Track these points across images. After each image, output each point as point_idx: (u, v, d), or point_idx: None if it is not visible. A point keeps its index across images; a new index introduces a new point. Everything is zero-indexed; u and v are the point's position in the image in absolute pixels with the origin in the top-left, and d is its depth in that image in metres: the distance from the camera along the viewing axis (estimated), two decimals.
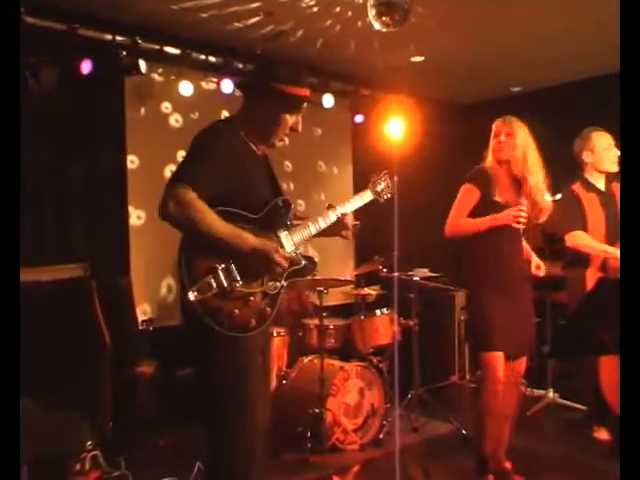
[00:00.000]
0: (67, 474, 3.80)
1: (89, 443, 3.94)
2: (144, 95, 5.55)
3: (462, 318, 6.71)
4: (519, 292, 3.85)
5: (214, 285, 2.42)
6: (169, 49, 5.30)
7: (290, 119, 2.72)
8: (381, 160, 5.74)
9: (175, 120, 5.82)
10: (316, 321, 5.05)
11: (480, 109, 7.57)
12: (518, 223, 3.67)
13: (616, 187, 4.40)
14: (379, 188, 3.12)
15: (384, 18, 4.35)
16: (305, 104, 2.76)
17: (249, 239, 2.50)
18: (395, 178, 3.24)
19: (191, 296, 2.39)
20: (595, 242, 4.26)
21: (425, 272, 6.59)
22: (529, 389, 5.69)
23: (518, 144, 3.78)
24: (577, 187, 4.43)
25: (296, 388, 4.84)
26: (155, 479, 3.95)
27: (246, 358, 2.54)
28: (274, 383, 4.86)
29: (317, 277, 4.79)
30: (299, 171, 6.67)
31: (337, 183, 7.15)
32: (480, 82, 7.07)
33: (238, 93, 2.94)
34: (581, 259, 4.35)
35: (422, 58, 6.21)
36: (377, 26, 4.42)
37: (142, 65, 5.11)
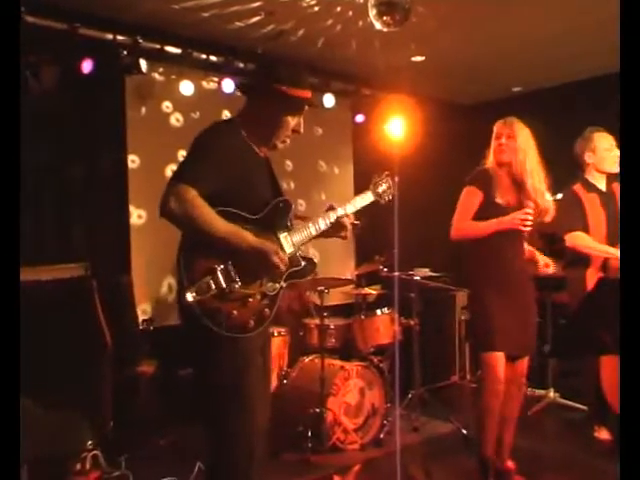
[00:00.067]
0: (67, 474, 3.80)
1: (89, 443, 3.94)
2: (145, 94, 5.55)
3: (463, 318, 6.70)
4: (521, 292, 3.85)
5: (212, 286, 2.42)
6: (170, 48, 5.30)
7: (292, 121, 2.72)
8: (382, 160, 5.76)
9: (176, 119, 5.83)
10: (317, 321, 5.05)
11: (481, 109, 7.58)
12: (525, 226, 3.67)
13: (617, 187, 4.39)
14: (380, 189, 3.11)
15: (385, 18, 4.35)
16: (307, 106, 2.76)
17: (248, 238, 2.50)
18: (396, 178, 3.23)
19: (189, 297, 2.38)
20: (595, 242, 4.26)
21: (426, 272, 6.59)
22: (530, 389, 5.68)
23: (519, 147, 3.78)
24: (578, 187, 4.42)
25: (297, 388, 4.84)
26: (155, 479, 3.95)
27: (245, 358, 2.53)
28: (275, 383, 4.87)
29: (318, 277, 4.79)
30: (300, 171, 6.67)
31: (338, 183, 7.15)
32: (481, 82, 7.08)
33: (239, 94, 2.93)
34: (581, 259, 4.35)
35: (423, 58, 6.21)
36: (378, 26, 4.42)
37: (143, 64, 5.11)
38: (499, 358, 3.73)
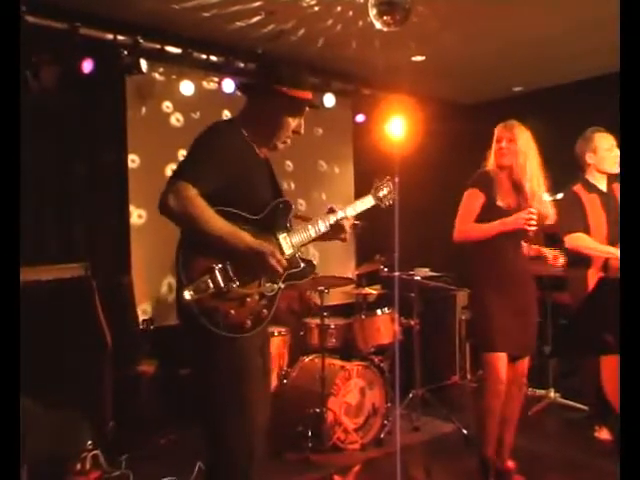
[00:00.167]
0: (67, 474, 3.80)
1: (89, 443, 3.94)
2: (145, 94, 5.56)
3: (463, 317, 6.70)
4: (522, 293, 3.85)
5: (210, 285, 2.42)
6: (170, 48, 5.30)
7: (292, 122, 2.72)
8: (382, 160, 5.78)
9: (176, 119, 5.83)
10: (317, 320, 5.05)
11: (481, 109, 7.59)
12: (530, 226, 3.67)
13: (617, 188, 4.38)
14: (381, 194, 3.11)
15: (385, 17, 4.35)
16: (307, 107, 2.76)
17: (246, 239, 2.49)
18: (396, 177, 3.23)
19: (187, 295, 2.38)
20: (595, 243, 4.25)
21: (426, 271, 6.59)
22: (530, 389, 5.68)
23: (520, 150, 3.79)
24: (578, 188, 4.41)
25: (297, 387, 4.84)
26: (156, 479, 3.95)
27: (244, 358, 2.53)
28: (275, 382, 4.87)
29: (318, 276, 4.80)
30: (300, 171, 6.67)
31: (338, 183, 7.15)
32: (481, 82, 7.07)
33: (240, 94, 2.93)
34: (583, 259, 4.34)
35: (423, 58, 6.21)
36: (378, 25, 4.42)
37: (143, 64, 5.11)
38: (501, 358, 3.73)
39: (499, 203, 3.77)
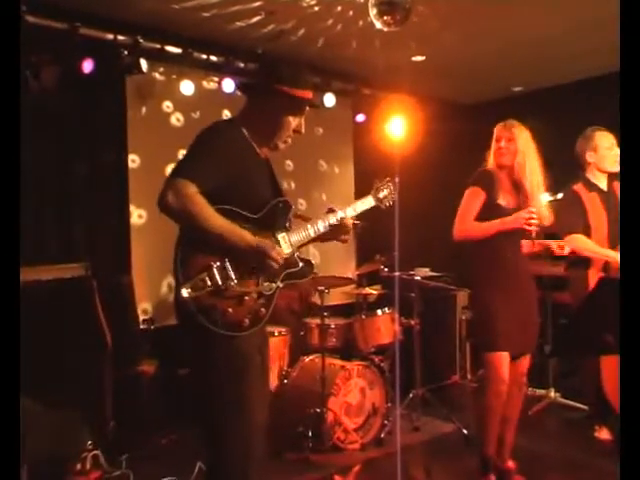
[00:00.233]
0: (68, 474, 3.80)
1: (90, 443, 3.94)
2: (145, 94, 5.55)
3: (463, 317, 6.70)
4: (523, 292, 3.85)
5: (208, 283, 2.42)
6: (170, 48, 5.30)
7: (293, 121, 2.72)
8: (382, 159, 5.78)
9: (176, 119, 5.83)
10: (317, 320, 5.05)
11: (481, 109, 7.58)
12: (530, 226, 3.66)
13: (618, 186, 4.38)
14: (381, 195, 3.11)
15: (385, 17, 4.35)
16: (308, 107, 2.76)
17: (245, 235, 2.49)
18: (396, 177, 3.23)
19: (184, 292, 2.38)
20: (595, 246, 4.24)
21: (426, 271, 6.59)
22: (530, 389, 5.68)
23: (519, 150, 3.80)
24: (578, 187, 4.41)
25: (297, 387, 4.84)
26: (156, 479, 3.95)
27: (242, 357, 2.53)
28: (275, 382, 4.87)
29: (318, 276, 4.80)
30: (300, 170, 6.67)
31: (338, 182, 7.15)
32: (481, 82, 7.07)
33: (240, 93, 2.93)
34: (583, 259, 4.34)
35: (423, 57, 6.21)
36: (378, 25, 4.42)
37: (143, 64, 5.11)
38: (503, 358, 3.74)
39: (500, 201, 3.77)
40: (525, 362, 3.91)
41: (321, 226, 2.84)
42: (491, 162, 3.91)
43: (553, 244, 3.98)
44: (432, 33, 5.44)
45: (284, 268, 2.65)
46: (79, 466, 3.87)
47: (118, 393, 4.42)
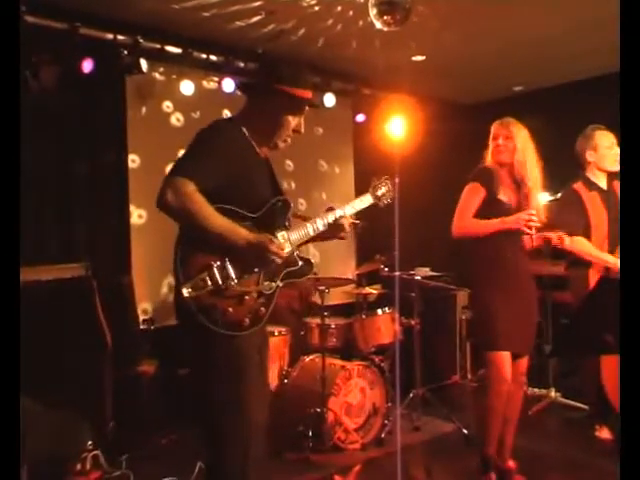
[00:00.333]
0: (67, 474, 3.80)
1: (90, 443, 3.94)
2: (145, 94, 5.55)
3: (464, 317, 6.70)
4: (523, 291, 3.85)
5: (209, 282, 2.42)
6: (170, 48, 5.30)
7: (292, 121, 2.72)
8: (382, 159, 5.78)
9: (176, 119, 5.83)
10: (318, 320, 5.05)
11: (481, 108, 7.58)
12: (529, 228, 3.66)
13: (618, 185, 4.38)
14: (379, 193, 3.12)
15: (385, 17, 4.35)
16: (307, 106, 2.76)
17: (244, 232, 2.49)
18: (396, 177, 3.23)
19: (185, 292, 2.38)
20: (596, 250, 4.24)
21: (426, 271, 6.60)
22: (531, 388, 5.68)
23: (517, 148, 3.80)
24: (578, 186, 4.41)
25: (297, 387, 4.84)
26: (156, 479, 3.95)
27: (242, 357, 2.53)
28: (275, 382, 4.87)
29: (318, 276, 4.80)
30: (300, 170, 6.67)
31: (338, 182, 7.15)
32: (481, 81, 7.07)
33: (240, 93, 2.93)
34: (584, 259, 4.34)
35: (423, 57, 6.21)
36: (378, 25, 4.42)
37: (143, 64, 5.11)
38: (505, 357, 3.73)
39: (501, 197, 3.77)
40: (525, 361, 3.91)
41: (320, 225, 2.84)
42: (489, 160, 3.91)
43: (553, 236, 3.95)
44: (432, 33, 5.44)
45: (284, 267, 2.65)
46: (79, 466, 3.86)
47: (118, 393, 4.42)
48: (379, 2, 4.31)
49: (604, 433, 4.70)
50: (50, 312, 4.04)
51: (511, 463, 3.93)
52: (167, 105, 5.78)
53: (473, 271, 3.95)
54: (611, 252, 4.22)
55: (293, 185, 6.54)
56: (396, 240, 4.76)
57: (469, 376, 6.75)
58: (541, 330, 4.18)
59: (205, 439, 2.59)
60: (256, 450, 2.56)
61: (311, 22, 5.27)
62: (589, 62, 6.20)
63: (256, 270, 2.57)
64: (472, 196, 3.84)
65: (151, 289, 5.57)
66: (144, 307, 5.50)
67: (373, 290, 5.61)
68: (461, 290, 6.52)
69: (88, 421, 3.98)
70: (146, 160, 5.56)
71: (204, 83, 5.87)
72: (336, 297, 5.98)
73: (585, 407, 5.24)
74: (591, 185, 4.40)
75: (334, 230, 2.89)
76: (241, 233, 2.49)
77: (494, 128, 3.91)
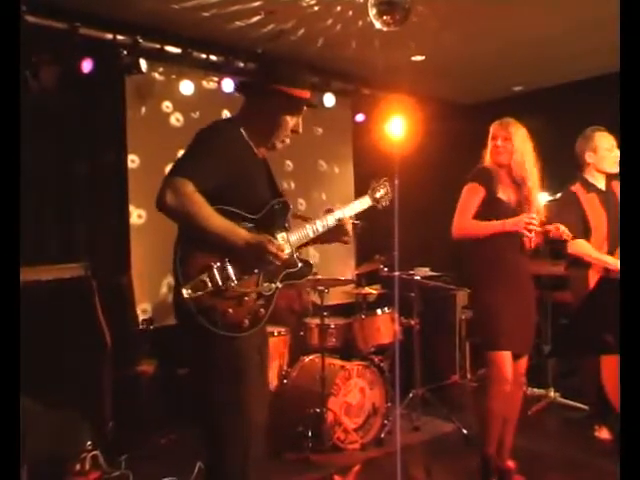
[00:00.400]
0: (67, 474, 3.80)
1: (89, 443, 3.94)
2: (145, 94, 5.55)
3: (463, 317, 6.70)
4: (523, 291, 3.86)
5: (209, 283, 2.42)
6: (170, 48, 5.30)
7: (291, 121, 2.72)
8: (382, 159, 5.78)
9: (176, 119, 5.82)
10: (317, 320, 5.05)
11: (481, 108, 7.58)
12: (529, 232, 3.66)
13: (617, 186, 4.38)
14: (378, 195, 3.12)
15: (385, 17, 4.35)
16: (305, 107, 2.76)
17: (243, 233, 2.49)
18: (396, 177, 3.24)
19: (185, 293, 2.38)
20: (596, 252, 4.24)
21: (426, 271, 6.60)
22: (530, 388, 5.68)
23: (516, 148, 3.79)
24: (576, 188, 4.40)
25: (297, 387, 4.84)
26: (156, 479, 3.95)
27: (242, 358, 2.53)
28: (275, 382, 4.87)
29: (318, 277, 4.80)
30: (300, 170, 6.67)
31: (338, 182, 7.15)
32: (481, 81, 7.07)
33: (238, 94, 2.93)
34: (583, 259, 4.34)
35: (423, 57, 6.21)
36: (378, 25, 4.42)
37: (143, 64, 5.11)
38: (506, 357, 3.73)
39: (500, 196, 3.77)
40: (524, 361, 3.91)
41: (319, 226, 2.84)
42: (488, 160, 3.91)
43: (551, 228, 3.93)
44: (432, 33, 5.44)
45: (283, 268, 2.65)
46: (78, 466, 3.86)
47: (117, 393, 4.42)
48: (378, 2, 4.31)
49: (603, 433, 4.70)
50: (50, 312, 4.04)
51: (510, 463, 3.93)
52: (167, 105, 5.77)
53: (473, 271, 3.94)
54: (611, 253, 4.22)
55: (293, 185, 6.54)
56: (396, 240, 4.76)
57: (469, 376, 6.75)
58: (540, 330, 4.17)
59: (205, 439, 2.58)
60: (256, 450, 2.55)
61: (311, 22, 5.27)
62: (589, 62, 6.21)
63: (255, 271, 2.57)
64: (472, 196, 3.84)
65: (150, 289, 5.57)
66: (143, 307, 5.50)
67: (373, 290, 5.61)
68: (461, 290, 6.52)
69: (87, 421, 3.98)
70: (146, 160, 5.56)
71: (204, 83, 5.87)
72: (336, 297, 5.98)
73: (584, 407, 5.24)
74: (589, 186, 4.39)
75: (337, 233, 2.89)
76: (241, 234, 2.49)
77: (493, 129, 3.91)
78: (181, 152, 2.61)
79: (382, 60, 5.82)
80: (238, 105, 2.80)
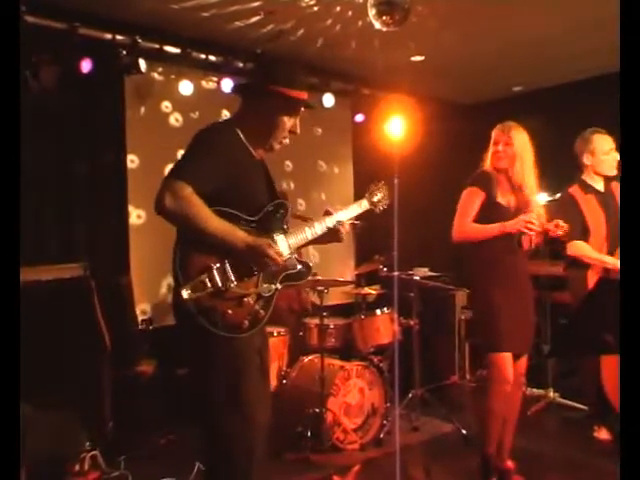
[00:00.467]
0: (66, 474, 3.80)
1: (88, 443, 3.94)
2: (144, 94, 5.55)
3: (462, 317, 6.70)
4: (522, 292, 3.86)
5: (208, 284, 2.42)
6: (169, 48, 5.29)
7: (288, 121, 2.72)
8: (381, 159, 5.79)
9: (175, 119, 5.82)
10: (316, 320, 5.04)
11: (481, 109, 7.59)
12: (530, 230, 3.66)
13: (616, 186, 4.37)
14: (375, 199, 3.12)
15: (384, 17, 4.34)
16: (303, 107, 2.76)
17: (243, 235, 2.50)
18: (395, 177, 3.24)
19: (184, 294, 2.38)
20: (596, 253, 4.24)
21: (425, 271, 6.60)
22: (529, 389, 5.68)
23: (517, 154, 3.79)
24: (574, 190, 4.40)
25: (296, 387, 4.84)
26: (155, 479, 3.95)
27: (242, 358, 2.53)
28: (274, 383, 4.87)
29: (318, 277, 4.80)
30: (299, 171, 6.67)
31: (337, 183, 7.15)
32: (481, 82, 7.07)
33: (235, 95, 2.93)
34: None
35: (422, 57, 6.21)
36: (377, 25, 4.42)
37: (142, 64, 5.11)
38: (507, 359, 3.74)
39: (499, 200, 3.77)
40: (524, 362, 3.91)
41: (318, 228, 2.84)
42: (488, 164, 3.91)
43: (550, 226, 3.93)
44: (431, 33, 5.44)
45: (283, 270, 2.65)
46: (77, 467, 3.86)
47: (117, 393, 4.41)
48: (378, 2, 4.31)
49: (602, 434, 4.70)
50: (50, 312, 4.04)
51: (510, 463, 3.93)
52: (166, 105, 5.77)
53: (473, 272, 3.94)
54: (611, 253, 4.22)
55: (292, 185, 6.54)
56: (395, 240, 4.76)
57: (468, 376, 6.74)
58: (539, 330, 4.17)
59: (205, 440, 2.58)
60: (256, 451, 2.55)
61: (310, 22, 5.27)
62: (589, 62, 6.20)
63: (255, 272, 2.57)
64: (471, 200, 3.84)
65: (150, 289, 5.57)
66: (143, 307, 5.50)
67: (372, 290, 5.61)
68: (460, 290, 6.52)
69: (86, 421, 3.98)
70: (145, 160, 5.56)
71: (203, 83, 5.86)
72: (335, 297, 5.98)
73: (584, 407, 5.24)
74: (587, 188, 4.39)
75: (331, 235, 2.89)
76: (240, 236, 2.49)
77: (495, 133, 3.90)
78: (180, 152, 2.61)
79: (382, 60, 5.82)
80: (237, 105, 2.80)
